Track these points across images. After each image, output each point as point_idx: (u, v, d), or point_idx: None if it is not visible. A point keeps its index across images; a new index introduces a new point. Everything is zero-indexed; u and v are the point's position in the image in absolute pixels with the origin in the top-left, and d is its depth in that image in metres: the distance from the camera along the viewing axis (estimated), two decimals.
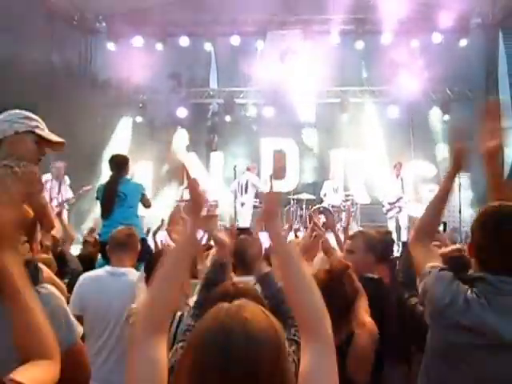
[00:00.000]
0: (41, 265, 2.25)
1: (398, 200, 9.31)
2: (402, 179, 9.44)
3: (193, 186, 1.37)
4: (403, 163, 9.62)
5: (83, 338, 2.83)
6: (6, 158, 2.31)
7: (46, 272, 2.42)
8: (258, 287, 2.15)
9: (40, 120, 2.47)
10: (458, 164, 1.94)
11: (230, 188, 10.31)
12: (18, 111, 2.42)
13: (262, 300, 1.80)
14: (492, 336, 1.59)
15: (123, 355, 2.48)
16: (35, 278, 2.22)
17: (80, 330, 1.82)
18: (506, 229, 1.66)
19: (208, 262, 2.56)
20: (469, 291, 1.67)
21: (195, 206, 1.35)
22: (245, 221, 9.33)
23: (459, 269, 1.88)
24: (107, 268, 3.02)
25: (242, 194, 9.73)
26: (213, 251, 2.97)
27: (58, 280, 2.52)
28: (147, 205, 4.91)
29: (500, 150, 1.97)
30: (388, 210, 9.48)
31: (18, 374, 1.05)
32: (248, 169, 10.13)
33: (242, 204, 9.64)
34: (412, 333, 1.92)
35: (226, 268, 2.12)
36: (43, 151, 2.46)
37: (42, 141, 2.43)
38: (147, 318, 1.15)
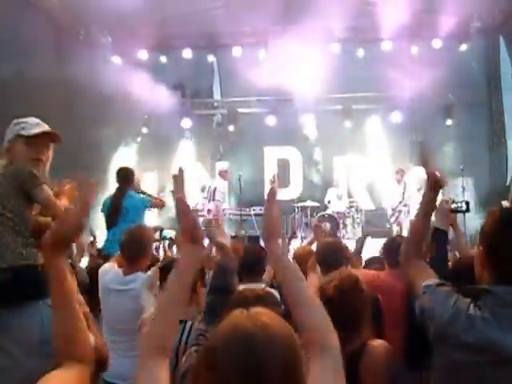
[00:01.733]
0: None
1: (398, 204, 9.45)
2: (404, 185, 9.49)
3: (180, 205, 1.34)
4: (406, 168, 9.68)
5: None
6: (7, 166, 2.41)
7: None
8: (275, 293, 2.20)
9: (30, 120, 2.51)
10: (433, 187, 1.90)
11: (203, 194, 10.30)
12: (24, 119, 2.52)
13: (279, 305, 1.84)
14: (498, 352, 1.52)
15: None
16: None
17: (92, 339, 1.89)
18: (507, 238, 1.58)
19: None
20: (471, 306, 1.59)
21: (185, 228, 1.33)
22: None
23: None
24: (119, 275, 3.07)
25: (209, 200, 9.63)
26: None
27: (77, 293, 2.58)
28: (160, 205, 5.06)
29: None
30: (391, 216, 9.60)
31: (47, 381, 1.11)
32: (220, 174, 9.92)
33: (209, 211, 9.48)
34: (424, 340, 1.87)
35: (231, 272, 2.16)
36: (38, 148, 2.50)
37: (30, 139, 2.47)
38: (151, 341, 1.19)
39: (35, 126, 2.50)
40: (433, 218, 2.04)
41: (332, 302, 1.99)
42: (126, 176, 4.93)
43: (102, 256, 4.51)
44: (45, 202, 2.40)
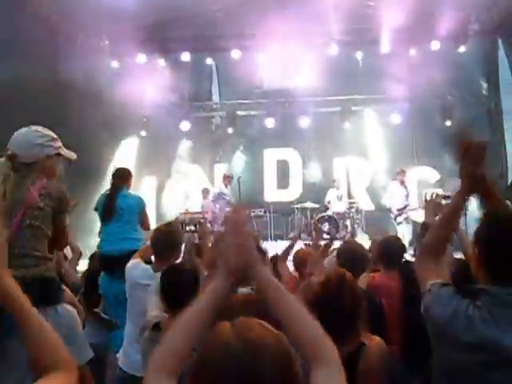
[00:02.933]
0: (63, 286, 2.34)
1: (405, 207, 9.31)
2: (405, 186, 9.46)
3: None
4: (406, 169, 9.64)
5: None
6: (38, 178, 2.43)
7: (68, 293, 2.51)
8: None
9: (52, 134, 2.60)
10: (469, 187, 1.79)
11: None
12: (42, 130, 2.53)
13: (268, 312, 1.84)
14: (497, 351, 1.53)
15: None
16: (58, 297, 2.34)
17: (89, 355, 1.86)
18: (507, 240, 1.58)
19: None
20: (470, 306, 1.60)
21: (237, 267, 1.23)
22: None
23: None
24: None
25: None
26: None
27: (76, 301, 2.59)
28: (144, 227, 4.65)
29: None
30: (397, 216, 9.42)
31: None
32: (223, 179, 10.30)
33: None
34: (425, 339, 1.87)
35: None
36: (57, 167, 2.61)
37: (62, 157, 2.59)
38: (160, 362, 1.16)
39: (63, 147, 2.61)
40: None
41: (318, 299, 2.01)
42: (122, 175, 4.81)
43: (98, 256, 4.47)
44: (61, 230, 2.52)
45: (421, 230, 2.23)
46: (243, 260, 1.22)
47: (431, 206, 2.27)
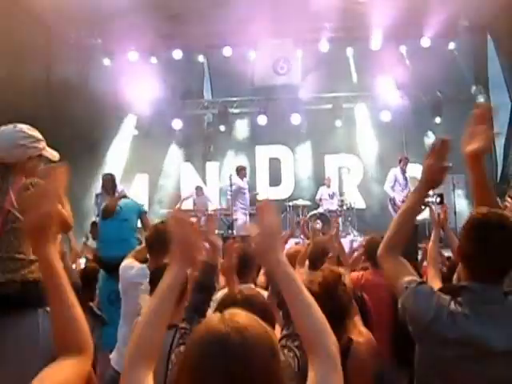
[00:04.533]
0: None
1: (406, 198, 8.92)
2: (406, 176, 9.21)
3: (179, 224, 1.33)
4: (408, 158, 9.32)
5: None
6: (18, 179, 2.42)
7: None
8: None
9: (37, 135, 2.57)
10: (429, 180, 1.83)
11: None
12: (27, 131, 2.51)
13: (268, 306, 1.87)
14: (480, 346, 1.58)
15: None
16: (44, 299, 2.34)
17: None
18: (491, 238, 1.63)
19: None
20: (452, 303, 1.65)
21: (184, 250, 1.32)
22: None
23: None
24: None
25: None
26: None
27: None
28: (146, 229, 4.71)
29: (484, 153, 1.89)
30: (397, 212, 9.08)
31: (42, 379, 1.09)
32: (237, 172, 9.84)
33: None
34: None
35: (216, 270, 2.19)
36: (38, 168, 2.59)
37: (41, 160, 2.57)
38: (134, 354, 1.20)
39: (46, 148, 2.59)
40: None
41: (316, 299, 2.05)
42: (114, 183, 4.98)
43: (97, 258, 4.51)
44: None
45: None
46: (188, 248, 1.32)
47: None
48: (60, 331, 1.22)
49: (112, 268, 3.88)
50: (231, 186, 9.84)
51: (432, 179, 1.81)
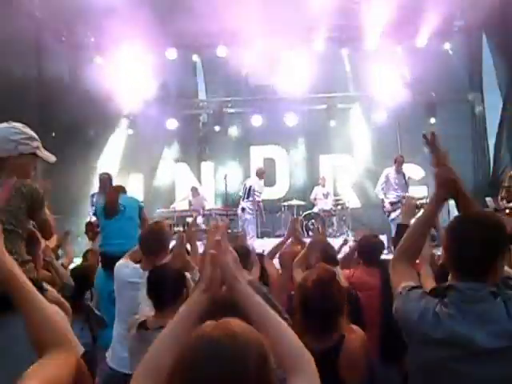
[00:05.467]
0: (46, 284, 2.33)
1: (400, 200, 8.53)
2: (404, 175, 9.07)
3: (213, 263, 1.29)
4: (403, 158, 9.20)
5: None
6: (8, 175, 2.40)
7: (52, 292, 2.51)
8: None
9: (36, 136, 2.56)
10: (442, 191, 1.87)
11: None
12: (21, 128, 2.50)
13: None
14: (466, 346, 1.59)
15: None
16: None
17: (80, 349, 1.89)
18: (472, 237, 1.65)
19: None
20: (438, 304, 1.67)
21: (213, 281, 1.29)
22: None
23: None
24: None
25: (243, 199, 9.59)
26: None
27: (62, 299, 2.60)
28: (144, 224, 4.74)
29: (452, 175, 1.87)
30: (390, 212, 8.83)
31: (30, 378, 1.08)
32: (256, 174, 9.89)
33: (243, 209, 9.48)
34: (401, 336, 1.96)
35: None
36: (36, 166, 2.60)
37: (39, 158, 2.56)
38: (145, 375, 1.19)
39: (41, 147, 2.57)
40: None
41: (311, 295, 2.09)
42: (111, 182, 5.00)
43: (102, 256, 4.50)
44: (42, 224, 2.55)
45: (397, 232, 2.32)
46: (219, 274, 1.29)
47: (408, 208, 2.36)
48: (36, 333, 1.21)
49: (114, 264, 3.87)
50: (226, 186, 9.84)
51: (441, 185, 1.86)
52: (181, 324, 1.27)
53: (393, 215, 8.76)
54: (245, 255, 2.96)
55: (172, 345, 1.21)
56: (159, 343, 1.24)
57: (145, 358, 1.22)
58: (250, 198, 9.46)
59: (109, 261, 4.23)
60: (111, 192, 4.89)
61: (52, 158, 2.63)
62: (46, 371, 1.12)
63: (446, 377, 1.64)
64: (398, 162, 9.02)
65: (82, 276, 3.98)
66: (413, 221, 1.96)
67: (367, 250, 3.45)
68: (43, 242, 2.88)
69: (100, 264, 4.37)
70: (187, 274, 2.61)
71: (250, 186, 9.56)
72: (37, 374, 1.10)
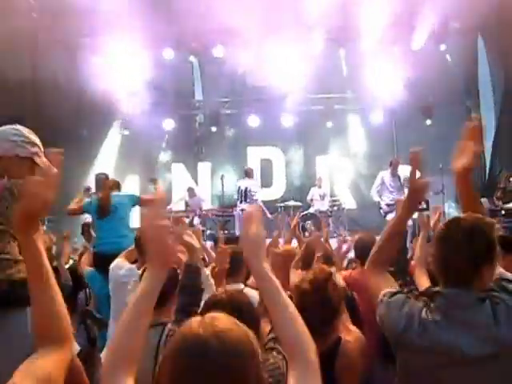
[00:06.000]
0: None
1: (395, 203, 8.69)
2: (399, 177, 9.06)
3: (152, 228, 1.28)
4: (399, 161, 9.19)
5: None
6: (0, 175, 2.39)
7: None
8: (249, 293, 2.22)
9: (39, 143, 2.53)
10: (414, 203, 1.89)
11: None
12: (23, 131, 2.48)
13: (252, 307, 1.86)
14: (453, 353, 1.57)
15: None
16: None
17: (75, 348, 1.89)
18: (457, 242, 1.64)
19: None
20: (423, 310, 1.66)
21: (157, 251, 1.29)
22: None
23: None
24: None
25: (241, 201, 9.60)
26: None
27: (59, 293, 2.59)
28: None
29: (471, 170, 1.91)
30: (387, 213, 8.88)
31: (21, 374, 1.08)
32: (246, 174, 9.90)
33: (242, 210, 9.38)
34: None
35: (199, 271, 2.18)
36: (35, 173, 2.54)
37: (36, 165, 2.51)
38: (112, 360, 1.18)
39: (41, 156, 2.52)
40: None
41: (307, 296, 2.09)
42: (106, 182, 5.00)
43: (96, 254, 4.50)
44: None
45: None
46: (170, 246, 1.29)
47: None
48: (41, 321, 1.20)
49: (109, 263, 3.85)
50: (223, 186, 9.84)
51: (414, 197, 1.89)
52: (143, 302, 1.25)
53: (390, 216, 8.77)
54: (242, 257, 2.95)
55: (133, 329, 1.20)
56: (122, 325, 1.22)
57: (109, 343, 1.23)
58: (248, 200, 9.48)
59: (101, 260, 4.24)
60: (104, 193, 4.88)
61: (53, 169, 2.60)
62: (41, 367, 1.12)
63: (431, 383, 1.64)
64: (394, 165, 9.06)
65: (76, 276, 3.97)
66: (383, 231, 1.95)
67: (365, 251, 3.44)
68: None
69: (93, 263, 4.35)
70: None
71: (246, 188, 9.58)
72: (31, 370, 1.10)
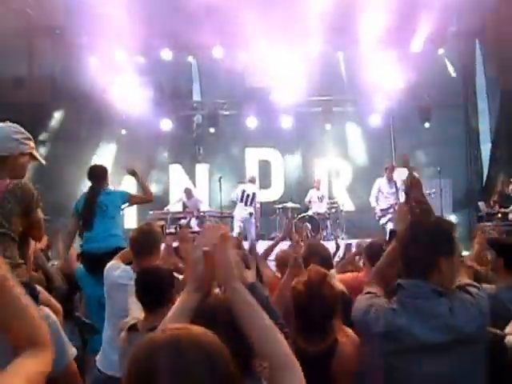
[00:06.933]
0: (37, 286, 2.29)
1: (390, 207, 8.94)
2: (395, 183, 9.13)
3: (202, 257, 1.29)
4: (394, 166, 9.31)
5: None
6: (8, 175, 2.38)
7: (43, 293, 2.47)
8: None
9: (27, 135, 2.55)
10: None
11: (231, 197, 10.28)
12: (19, 127, 2.50)
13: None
14: (408, 339, 1.65)
15: None
16: (33, 300, 2.28)
17: (73, 351, 1.87)
18: (412, 239, 1.80)
19: None
20: (384, 300, 1.80)
21: (198, 278, 1.31)
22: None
23: None
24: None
25: (246, 204, 9.83)
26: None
27: (53, 301, 2.56)
28: (147, 195, 4.92)
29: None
30: (380, 217, 9.18)
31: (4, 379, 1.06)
32: (250, 181, 10.19)
33: (251, 214, 9.81)
34: None
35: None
36: (26, 166, 2.57)
37: (32, 159, 2.55)
38: None
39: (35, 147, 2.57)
40: None
41: (302, 297, 2.10)
42: (98, 174, 4.76)
43: (83, 255, 4.41)
44: (36, 225, 2.49)
45: (389, 237, 2.44)
46: (211, 273, 1.29)
47: (400, 214, 2.43)
48: (10, 325, 1.17)
49: (98, 263, 3.70)
50: (220, 188, 9.81)
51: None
52: (176, 321, 1.23)
53: (383, 220, 9.17)
54: (241, 258, 2.93)
55: None
56: None
57: None
58: (252, 204, 9.76)
59: (88, 259, 4.18)
60: (91, 196, 4.70)
61: (43, 161, 2.65)
62: (21, 372, 1.10)
63: (397, 371, 1.69)
64: (389, 170, 9.21)
65: (71, 279, 3.91)
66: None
67: (376, 254, 3.42)
68: (32, 244, 2.83)
69: (80, 263, 4.25)
70: (176, 275, 2.59)
71: (254, 193, 9.86)
72: (11, 375, 1.07)
